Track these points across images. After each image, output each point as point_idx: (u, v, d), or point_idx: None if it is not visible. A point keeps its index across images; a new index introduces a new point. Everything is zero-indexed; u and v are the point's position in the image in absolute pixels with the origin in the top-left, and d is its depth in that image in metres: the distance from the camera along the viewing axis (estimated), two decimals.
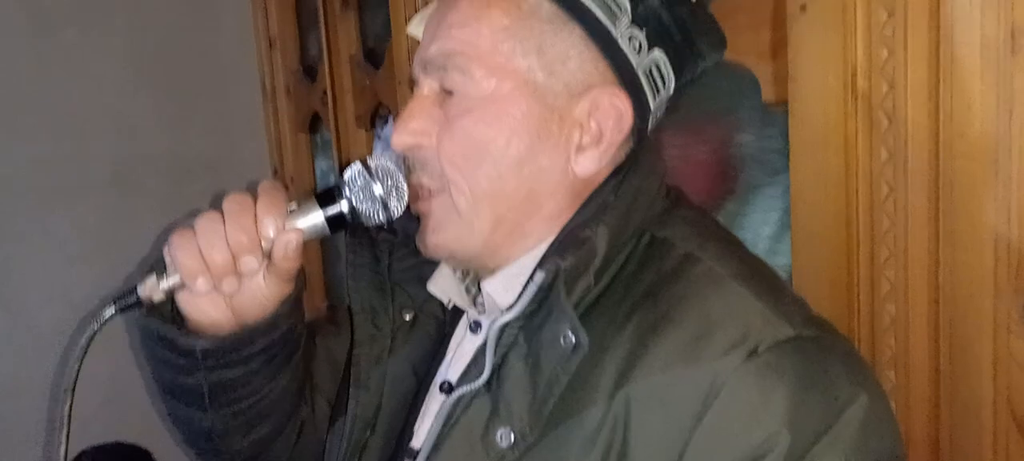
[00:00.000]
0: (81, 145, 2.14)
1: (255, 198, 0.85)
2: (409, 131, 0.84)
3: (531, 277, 0.78)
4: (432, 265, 0.93)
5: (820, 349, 0.74)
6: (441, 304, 0.97)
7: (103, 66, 2.16)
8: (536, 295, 0.76)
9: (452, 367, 0.91)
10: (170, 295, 0.85)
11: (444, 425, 0.80)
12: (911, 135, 0.98)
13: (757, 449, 0.69)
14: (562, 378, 0.74)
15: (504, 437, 0.76)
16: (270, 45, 2.47)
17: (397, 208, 0.86)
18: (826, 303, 1.10)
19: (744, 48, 1.17)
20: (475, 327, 0.90)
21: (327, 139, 2.35)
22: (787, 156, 1.13)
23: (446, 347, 0.94)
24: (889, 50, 0.98)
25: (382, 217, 0.85)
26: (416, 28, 0.92)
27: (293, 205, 0.86)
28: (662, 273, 0.79)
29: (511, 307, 0.78)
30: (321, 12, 2.21)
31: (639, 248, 0.82)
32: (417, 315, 0.97)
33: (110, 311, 0.83)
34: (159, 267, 0.85)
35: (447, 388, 0.88)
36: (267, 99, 2.51)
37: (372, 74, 2.08)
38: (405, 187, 0.86)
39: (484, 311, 0.89)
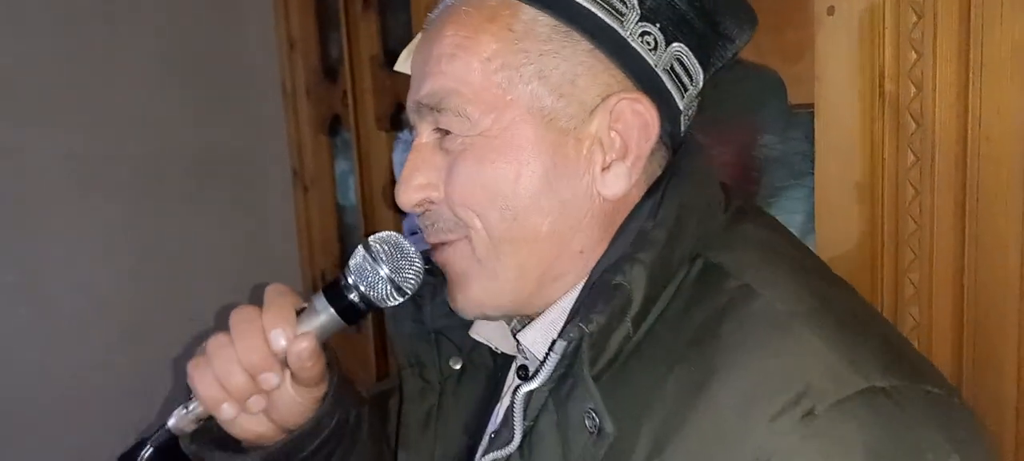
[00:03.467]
0: (107, 141, 2.17)
1: (262, 307, 0.81)
2: (413, 188, 0.78)
3: (552, 345, 0.69)
4: None
5: (898, 404, 0.61)
6: (490, 349, 0.90)
7: (130, 63, 2.20)
8: (560, 361, 0.68)
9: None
10: (202, 422, 0.84)
11: None
12: (939, 138, 0.98)
13: None
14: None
15: None
16: (291, 46, 2.49)
17: (412, 281, 0.81)
18: None
19: (769, 49, 1.17)
20: (524, 373, 0.83)
21: (347, 140, 2.36)
22: (811, 158, 1.14)
23: (498, 396, 0.88)
24: (918, 52, 0.98)
25: (397, 297, 0.81)
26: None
27: (303, 305, 0.82)
28: (712, 312, 0.68)
29: (535, 374, 0.69)
30: (342, 14, 2.23)
31: (690, 277, 0.72)
32: (466, 364, 0.91)
33: (148, 451, 0.83)
34: (186, 397, 0.83)
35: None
36: (287, 100, 2.53)
37: (393, 75, 2.09)
38: (415, 254, 0.81)
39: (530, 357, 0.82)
